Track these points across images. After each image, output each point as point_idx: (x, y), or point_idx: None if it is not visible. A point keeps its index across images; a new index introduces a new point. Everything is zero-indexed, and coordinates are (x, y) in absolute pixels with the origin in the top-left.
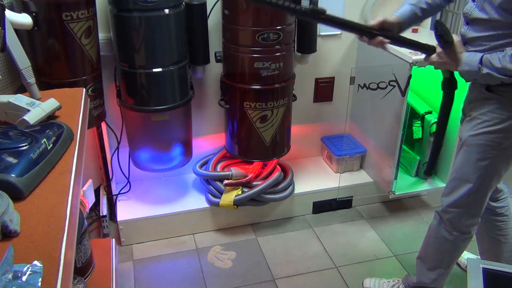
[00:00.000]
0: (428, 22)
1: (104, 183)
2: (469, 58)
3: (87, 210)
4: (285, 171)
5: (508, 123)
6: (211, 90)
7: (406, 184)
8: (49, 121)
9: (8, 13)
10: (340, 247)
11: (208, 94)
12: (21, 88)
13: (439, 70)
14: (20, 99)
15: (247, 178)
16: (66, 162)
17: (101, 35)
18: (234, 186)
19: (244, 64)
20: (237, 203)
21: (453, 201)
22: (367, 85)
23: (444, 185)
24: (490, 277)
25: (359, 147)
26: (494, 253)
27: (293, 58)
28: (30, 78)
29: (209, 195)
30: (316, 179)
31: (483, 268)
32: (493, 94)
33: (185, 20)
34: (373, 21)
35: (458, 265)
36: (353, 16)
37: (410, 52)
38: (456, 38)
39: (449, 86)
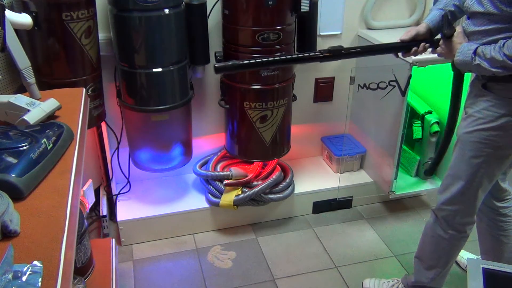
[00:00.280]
0: None
1: (104, 183)
2: (465, 48)
3: (87, 210)
4: (285, 171)
5: (501, 121)
6: (211, 90)
7: (406, 184)
8: (49, 121)
9: (8, 13)
10: (340, 247)
11: (208, 94)
12: (21, 88)
13: (439, 70)
14: (20, 99)
15: (247, 178)
16: (66, 162)
17: (101, 35)
18: (234, 186)
19: None
20: (237, 203)
21: (446, 199)
22: (367, 85)
23: None
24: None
25: (359, 147)
26: (495, 253)
27: None
28: (30, 78)
29: (209, 195)
30: (316, 179)
31: (483, 268)
32: (488, 91)
33: (185, 20)
34: (404, 35)
35: (458, 265)
36: (353, 16)
37: None
38: (458, 29)
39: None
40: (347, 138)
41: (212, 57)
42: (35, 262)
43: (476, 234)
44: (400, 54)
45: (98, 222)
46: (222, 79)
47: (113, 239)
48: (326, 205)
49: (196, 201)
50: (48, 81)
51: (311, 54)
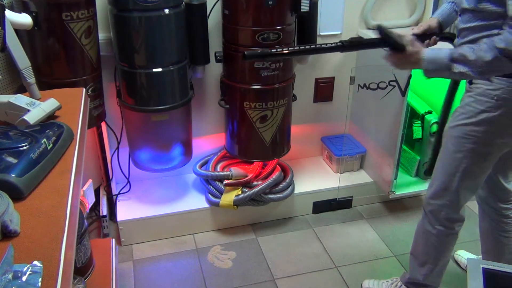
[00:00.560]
0: None
1: (104, 183)
2: (432, 56)
3: (87, 210)
4: (285, 171)
5: (481, 117)
6: (211, 90)
7: (406, 184)
8: (49, 121)
9: (8, 13)
10: (340, 247)
11: (208, 94)
12: (21, 88)
13: None
14: (20, 99)
15: (247, 178)
16: (66, 162)
17: (101, 35)
18: (234, 186)
19: (244, 64)
20: (237, 203)
21: (431, 193)
22: (367, 85)
23: None
24: (490, 277)
25: (359, 147)
26: (496, 253)
27: (293, 58)
28: (30, 78)
29: (209, 195)
30: (316, 179)
31: (483, 268)
32: (472, 87)
33: (185, 20)
34: (416, 29)
35: (458, 265)
36: (353, 16)
37: None
38: (408, 37)
39: None
40: (347, 138)
41: (212, 57)
42: (35, 262)
43: (476, 234)
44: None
45: (98, 222)
46: (222, 79)
47: (113, 239)
48: (326, 205)
49: (196, 201)
50: (48, 81)
51: (333, 44)
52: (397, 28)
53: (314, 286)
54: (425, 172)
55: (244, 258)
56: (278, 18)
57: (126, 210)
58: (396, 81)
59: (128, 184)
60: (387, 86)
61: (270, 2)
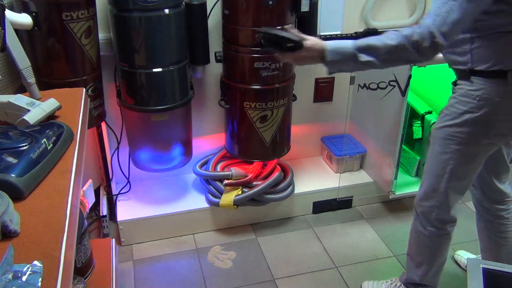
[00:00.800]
0: None
1: (104, 183)
2: (335, 46)
3: (87, 210)
4: (285, 171)
5: (464, 118)
6: (211, 90)
7: (406, 184)
8: (49, 121)
9: (8, 13)
10: (340, 247)
11: (208, 94)
12: (21, 88)
13: (439, 70)
14: (20, 99)
15: (247, 178)
16: (66, 162)
17: (101, 35)
18: (234, 186)
19: (244, 64)
20: (237, 203)
21: (421, 194)
22: (367, 85)
23: None
24: (490, 277)
25: (359, 147)
26: (494, 254)
27: None
28: (30, 78)
29: (209, 195)
30: (316, 179)
31: (483, 268)
32: (455, 88)
33: (185, 20)
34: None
35: (458, 265)
36: (353, 16)
37: None
38: (306, 36)
39: None
40: (347, 138)
41: (212, 57)
42: (35, 262)
43: (476, 234)
44: None
45: (98, 222)
46: (222, 79)
47: (113, 239)
48: (326, 205)
49: (196, 201)
50: (48, 81)
51: (348, 35)
52: (397, 28)
53: (314, 286)
54: None
55: (244, 258)
56: (278, 18)
57: (126, 210)
58: (396, 81)
59: (128, 184)
60: (387, 86)
61: (270, 2)
